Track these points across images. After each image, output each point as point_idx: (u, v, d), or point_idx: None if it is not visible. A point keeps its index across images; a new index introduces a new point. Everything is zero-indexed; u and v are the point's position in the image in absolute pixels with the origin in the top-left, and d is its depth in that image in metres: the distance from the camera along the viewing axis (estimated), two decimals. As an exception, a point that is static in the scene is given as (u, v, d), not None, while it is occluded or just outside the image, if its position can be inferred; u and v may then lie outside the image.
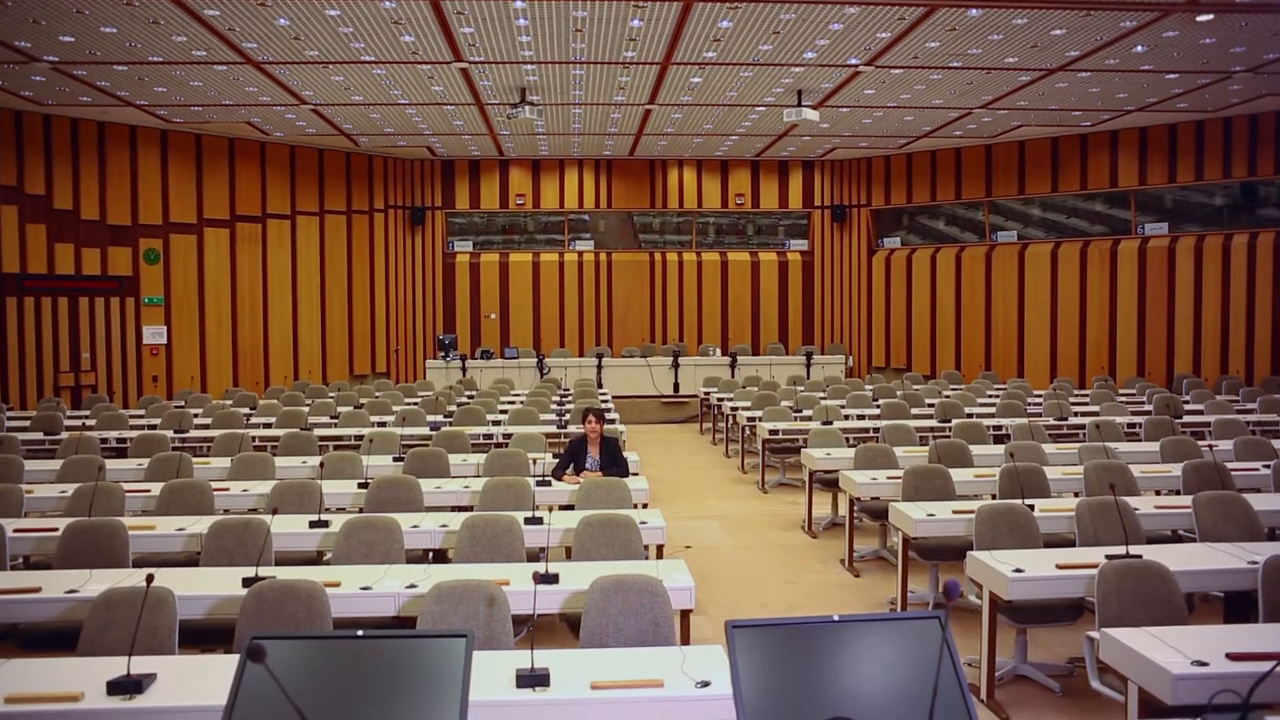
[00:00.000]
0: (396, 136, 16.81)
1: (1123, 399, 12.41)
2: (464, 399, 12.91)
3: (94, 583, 4.52)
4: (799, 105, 13.60)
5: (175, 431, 10.09)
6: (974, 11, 9.94)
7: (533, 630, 3.57)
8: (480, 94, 13.62)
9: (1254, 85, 13.10)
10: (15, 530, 5.67)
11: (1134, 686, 3.55)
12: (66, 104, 13.94)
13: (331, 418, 11.24)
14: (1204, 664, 3.39)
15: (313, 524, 5.70)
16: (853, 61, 11.98)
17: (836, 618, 2.75)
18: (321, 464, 7.16)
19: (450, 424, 10.43)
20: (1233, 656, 3.44)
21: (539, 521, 5.64)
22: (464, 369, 16.93)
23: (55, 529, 5.46)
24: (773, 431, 10.46)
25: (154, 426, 10.64)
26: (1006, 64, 12.05)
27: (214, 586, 4.56)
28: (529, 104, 13.45)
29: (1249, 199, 15.76)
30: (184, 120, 15.20)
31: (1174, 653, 3.48)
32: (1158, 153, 16.22)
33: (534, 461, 7.39)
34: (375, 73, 12.34)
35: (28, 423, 10.97)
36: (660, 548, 5.77)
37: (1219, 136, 15.50)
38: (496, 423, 10.71)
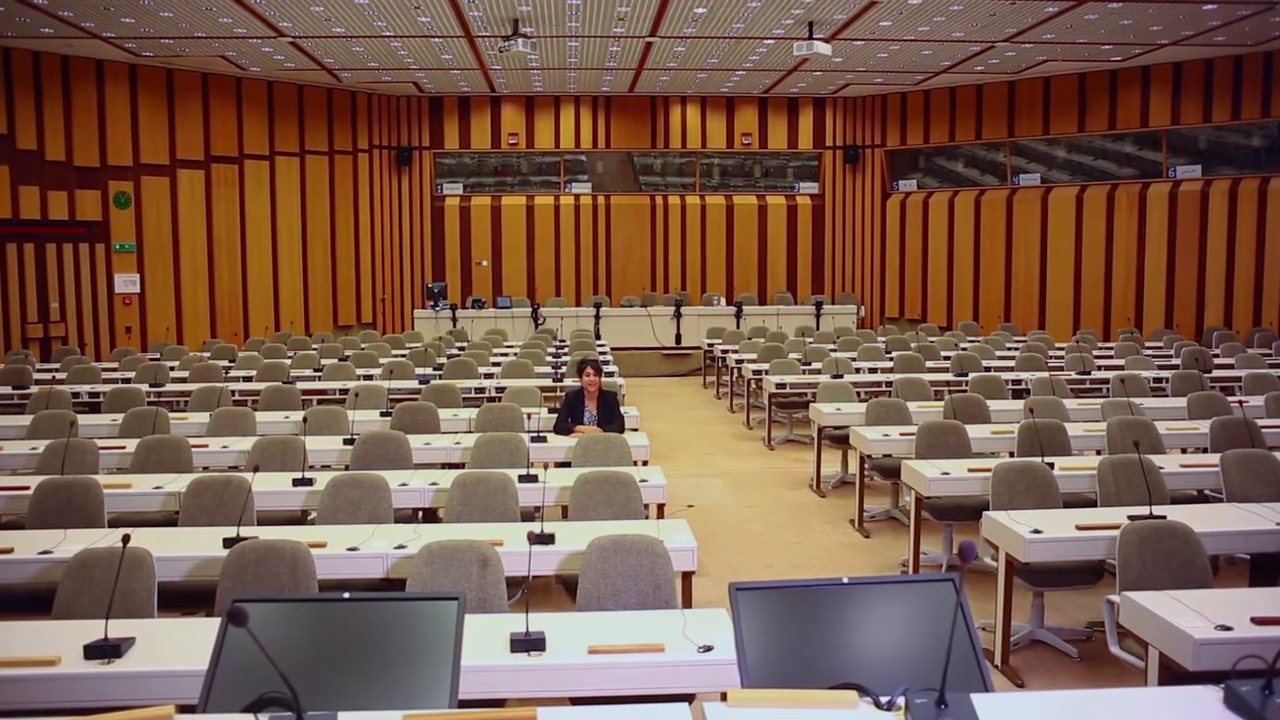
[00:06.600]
0: (381, 71, 16.61)
1: (1149, 352, 12.40)
2: (454, 351, 12.90)
3: (68, 543, 4.55)
4: (810, 38, 13.40)
5: (150, 385, 10.09)
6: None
7: (527, 593, 3.60)
8: (470, 25, 13.42)
9: (1297, 17, 12.91)
10: (-16, 488, 5.69)
11: (1154, 652, 3.59)
12: (27, 35, 13.73)
13: (315, 371, 11.25)
14: (1228, 628, 3.41)
15: (296, 482, 5.73)
16: (868, -10, 11.80)
17: (845, 580, 2.77)
18: (305, 419, 7.17)
19: (440, 377, 10.44)
20: (1258, 620, 3.46)
21: (534, 479, 5.66)
22: (454, 319, 16.91)
23: (26, 487, 5.48)
24: (780, 385, 10.47)
25: (128, 380, 10.65)
26: (1033, -7, 11.88)
27: (194, 547, 4.59)
28: (522, 36, 13.25)
29: (1288, 140, 15.60)
30: (154, 54, 14.99)
31: (1197, 617, 3.50)
32: (1192, 90, 16.02)
33: (528, 416, 7.41)
34: (358, 2, 12.14)
35: (-5, 376, 10.96)
36: (661, 507, 5.80)
37: (1258, 73, 15.30)
38: (489, 376, 10.72)
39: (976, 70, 16.82)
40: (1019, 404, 8.36)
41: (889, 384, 10.04)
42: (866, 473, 7.71)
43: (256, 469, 5.39)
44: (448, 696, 2.67)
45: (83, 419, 8.02)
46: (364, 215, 18.81)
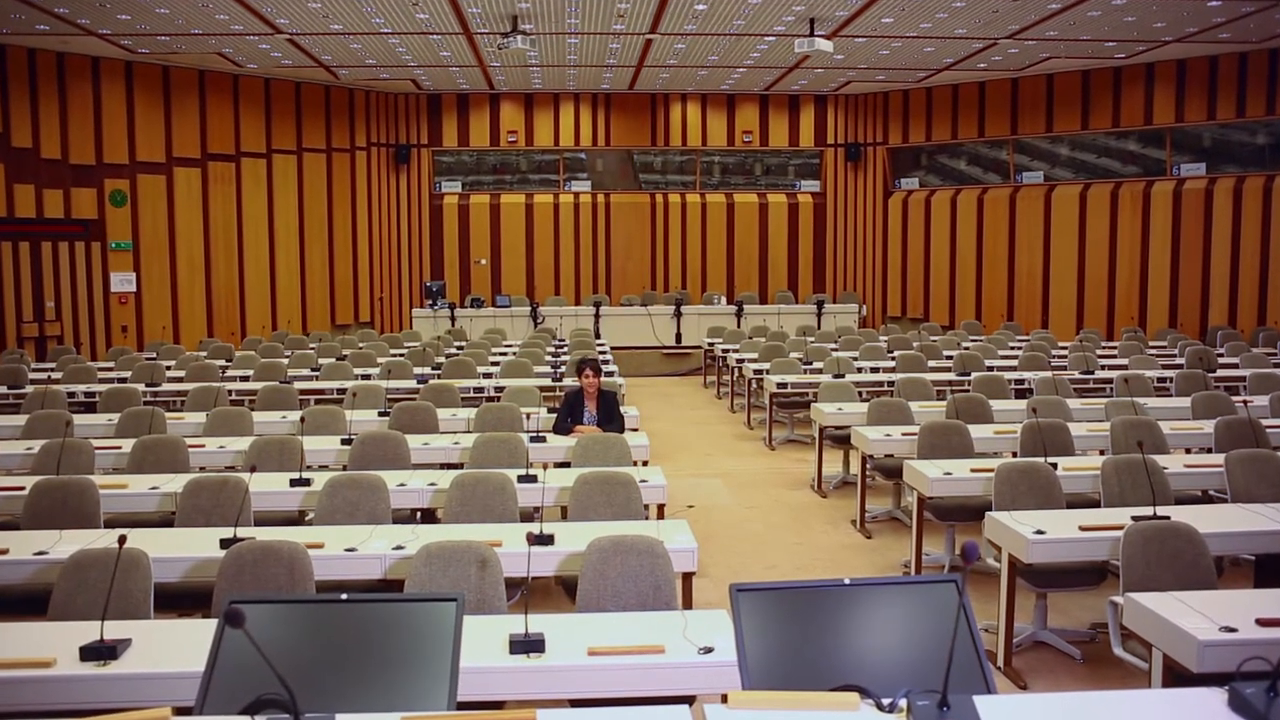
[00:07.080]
0: (379, 69, 16.60)
1: (1153, 352, 12.40)
2: (453, 350, 12.89)
3: (64, 544, 4.55)
4: (811, 35, 13.41)
5: (147, 385, 10.10)
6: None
7: (527, 594, 3.60)
8: (468, 22, 13.42)
9: (1302, 13, 12.90)
10: (-21, 488, 5.69)
11: (1158, 654, 3.58)
12: (22, 32, 13.73)
13: (312, 370, 11.24)
14: (1232, 630, 3.41)
15: (294, 482, 5.73)
16: (870, -13, 11.80)
17: (847, 581, 2.77)
18: (302, 419, 7.17)
19: (439, 376, 10.44)
20: (1263, 622, 3.46)
21: (533, 479, 5.66)
22: (453, 318, 16.90)
23: (22, 488, 5.48)
24: (781, 385, 10.46)
25: (124, 380, 10.65)
26: (1036, -10, 11.87)
27: (190, 548, 4.59)
28: (521, 33, 13.25)
29: (1293, 137, 15.61)
30: (150, 51, 14.99)
31: (1201, 618, 3.50)
32: (1196, 87, 16.02)
33: (528, 416, 7.41)
34: (355, -1, 12.16)
35: (-10, 375, 10.96)
36: (661, 507, 5.80)
37: (1263, 70, 15.30)
38: (488, 375, 10.71)
39: (979, 67, 16.82)
40: (1022, 404, 8.35)
41: (891, 383, 10.04)
42: (868, 473, 7.71)
43: (254, 469, 5.39)
44: (446, 698, 2.67)
45: (78, 419, 8.02)
46: (362, 214, 18.81)
